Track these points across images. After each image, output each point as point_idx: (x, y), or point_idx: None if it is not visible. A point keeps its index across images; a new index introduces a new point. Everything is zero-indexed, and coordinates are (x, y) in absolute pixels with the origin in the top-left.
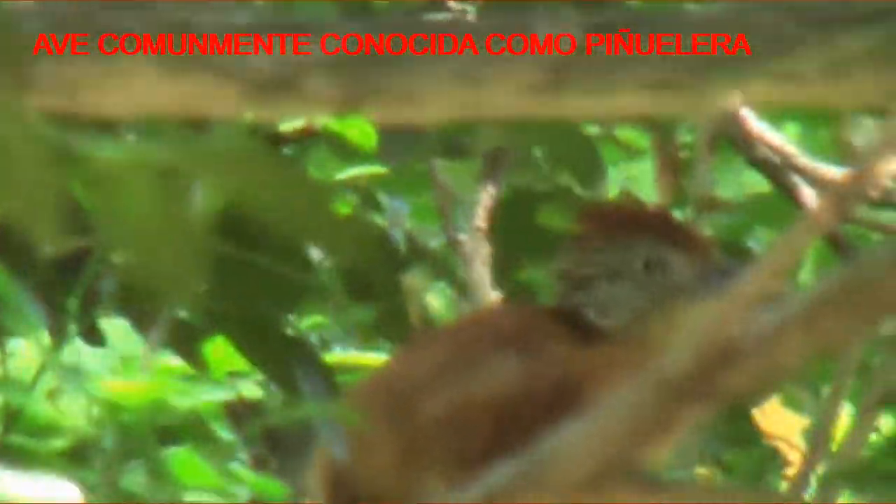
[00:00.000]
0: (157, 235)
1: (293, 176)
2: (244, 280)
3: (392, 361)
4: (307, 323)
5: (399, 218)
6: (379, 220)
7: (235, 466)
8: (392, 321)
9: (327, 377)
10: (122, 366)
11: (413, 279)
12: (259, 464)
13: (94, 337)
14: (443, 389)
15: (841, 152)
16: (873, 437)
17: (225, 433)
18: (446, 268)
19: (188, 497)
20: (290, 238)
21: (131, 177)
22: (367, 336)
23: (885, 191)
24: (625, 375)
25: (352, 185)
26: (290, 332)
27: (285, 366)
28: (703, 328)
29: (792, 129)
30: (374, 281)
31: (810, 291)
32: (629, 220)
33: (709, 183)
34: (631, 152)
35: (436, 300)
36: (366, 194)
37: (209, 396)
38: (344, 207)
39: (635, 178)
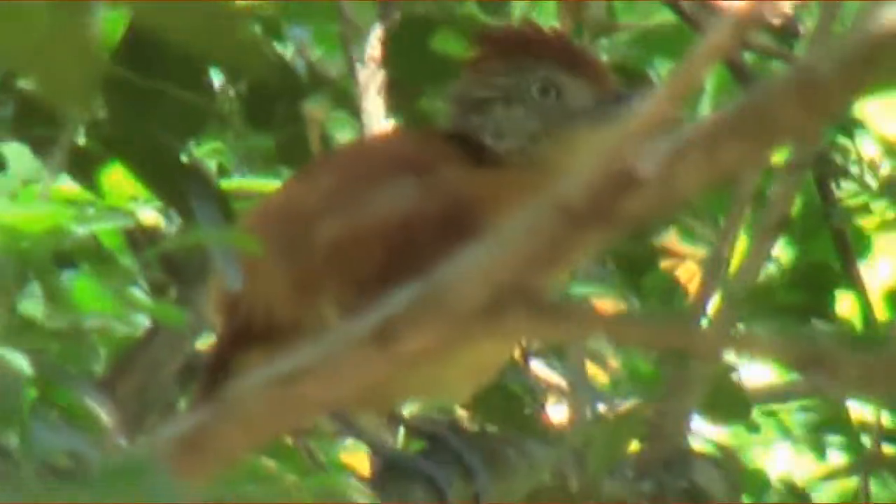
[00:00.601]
0: (54, 56)
1: None
2: (144, 105)
3: (285, 187)
4: (205, 149)
5: (301, 47)
6: (281, 48)
7: (134, 292)
8: (292, 149)
9: (223, 204)
10: (21, 190)
11: (314, 107)
12: (158, 291)
13: None
14: (336, 215)
15: None
16: (770, 266)
17: (124, 259)
18: (347, 97)
19: (87, 322)
20: (193, 62)
21: None
22: (266, 163)
23: (787, 18)
24: (521, 199)
25: (255, 14)
26: (186, 158)
27: (181, 192)
28: (601, 153)
29: None
30: (275, 108)
31: (709, 118)
32: (527, 44)
33: (605, 7)
34: None
35: (336, 129)
36: (269, 22)
37: (108, 224)
38: (246, 33)
39: (538, 9)
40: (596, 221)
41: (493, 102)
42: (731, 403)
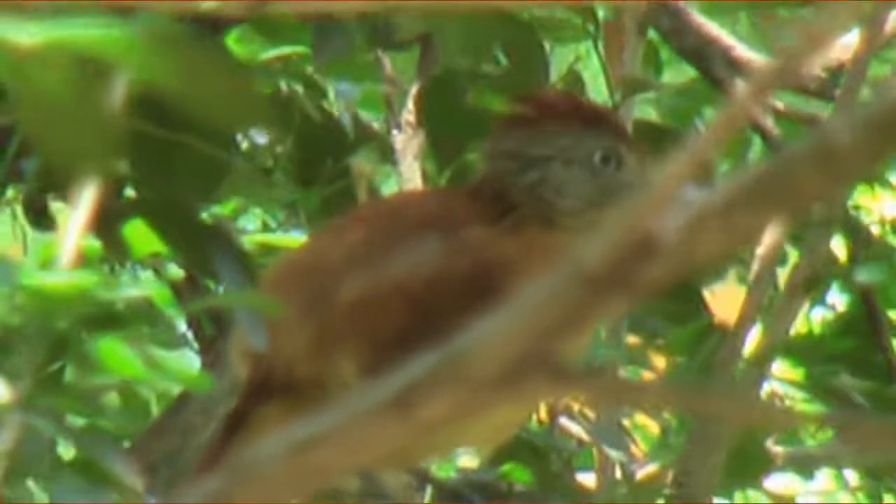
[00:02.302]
0: (69, 117)
1: (214, 59)
2: (165, 160)
3: (310, 241)
4: (233, 207)
5: (347, 101)
6: (326, 105)
7: (184, 353)
8: (339, 204)
9: (245, 262)
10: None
11: (361, 162)
12: (208, 345)
13: (43, 220)
14: (358, 272)
15: (769, 43)
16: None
17: (176, 317)
18: (392, 151)
19: (114, 384)
20: (214, 122)
21: (46, 59)
22: (312, 219)
23: (822, 83)
24: (546, 263)
25: (293, 72)
26: (208, 216)
27: (202, 251)
28: (622, 218)
29: (723, 20)
30: (323, 164)
31: (726, 185)
32: (587, 111)
33: (637, 68)
34: (579, 34)
35: (383, 183)
36: (309, 80)
37: (134, 290)
38: (268, 88)
39: (584, 58)
40: (615, 288)
41: (552, 161)
42: (754, 462)
